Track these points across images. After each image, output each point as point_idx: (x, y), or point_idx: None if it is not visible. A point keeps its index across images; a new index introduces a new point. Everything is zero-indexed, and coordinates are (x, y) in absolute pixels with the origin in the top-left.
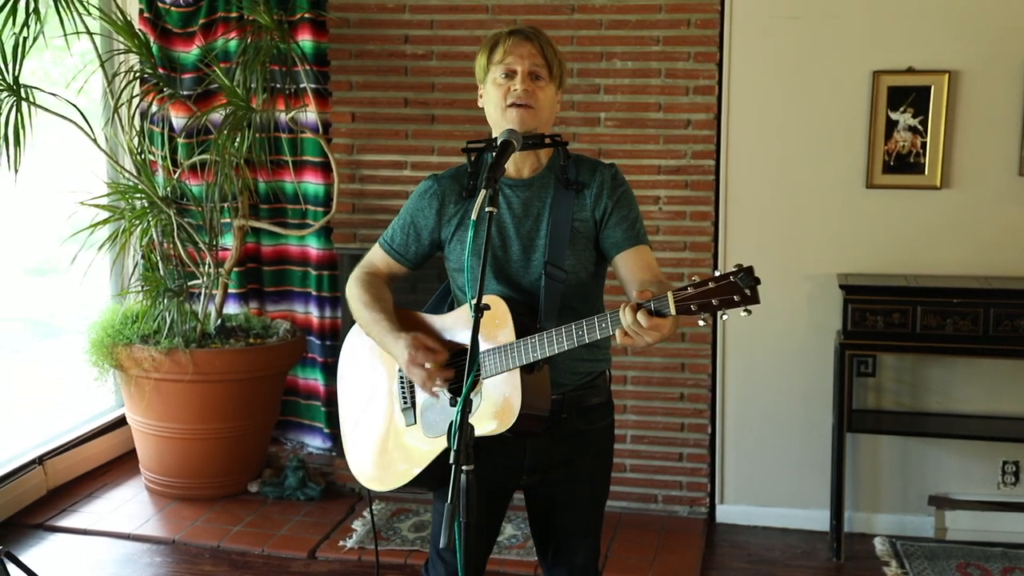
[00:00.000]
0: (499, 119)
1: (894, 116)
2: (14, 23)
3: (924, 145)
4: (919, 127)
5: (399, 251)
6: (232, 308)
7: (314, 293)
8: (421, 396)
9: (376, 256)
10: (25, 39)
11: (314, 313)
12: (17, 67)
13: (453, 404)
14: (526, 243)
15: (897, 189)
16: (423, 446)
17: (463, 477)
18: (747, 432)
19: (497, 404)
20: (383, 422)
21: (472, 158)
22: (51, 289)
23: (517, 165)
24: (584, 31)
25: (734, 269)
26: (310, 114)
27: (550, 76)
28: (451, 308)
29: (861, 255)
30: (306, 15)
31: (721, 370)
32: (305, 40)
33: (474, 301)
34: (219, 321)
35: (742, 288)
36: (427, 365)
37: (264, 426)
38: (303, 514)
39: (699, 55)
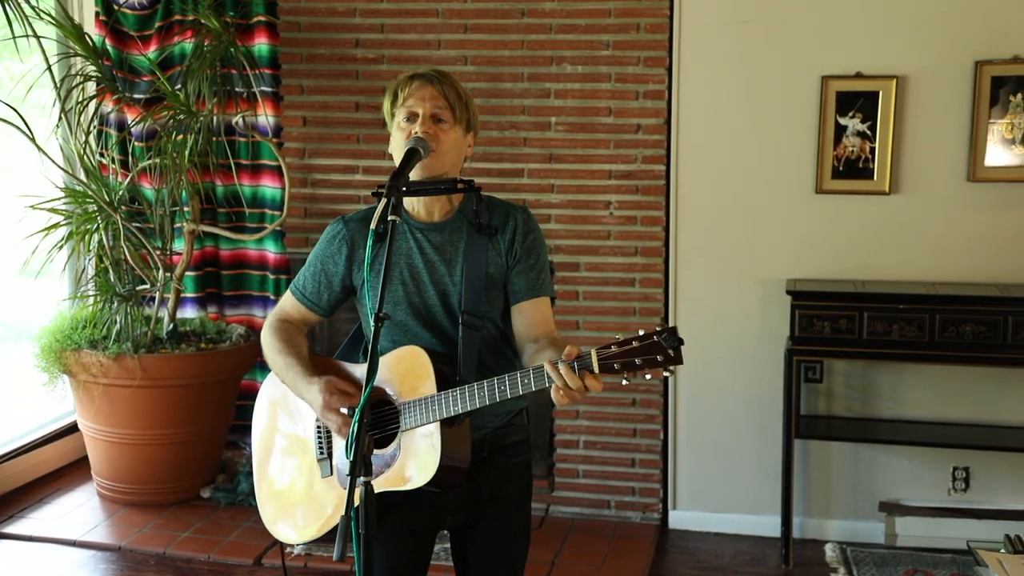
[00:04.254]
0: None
1: (843, 121)
2: None
3: (873, 150)
4: (868, 132)
5: (312, 299)
6: (190, 313)
7: (272, 297)
8: (338, 447)
9: (288, 304)
10: None
11: None
12: None
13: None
14: (440, 289)
15: (846, 194)
16: (338, 500)
17: (361, 489)
18: (699, 438)
19: (416, 457)
20: (299, 474)
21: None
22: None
23: (428, 207)
24: (534, 35)
25: (658, 328)
26: (269, 118)
27: (454, 119)
28: (364, 353)
29: (811, 260)
30: (261, 18)
31: (673, 376)
32: (261, 44)
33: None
34: (171, 326)
35: (666, 348)
36: (342, 410)
37: (217, 431)
38: (253, 520)
39: (649, 59)
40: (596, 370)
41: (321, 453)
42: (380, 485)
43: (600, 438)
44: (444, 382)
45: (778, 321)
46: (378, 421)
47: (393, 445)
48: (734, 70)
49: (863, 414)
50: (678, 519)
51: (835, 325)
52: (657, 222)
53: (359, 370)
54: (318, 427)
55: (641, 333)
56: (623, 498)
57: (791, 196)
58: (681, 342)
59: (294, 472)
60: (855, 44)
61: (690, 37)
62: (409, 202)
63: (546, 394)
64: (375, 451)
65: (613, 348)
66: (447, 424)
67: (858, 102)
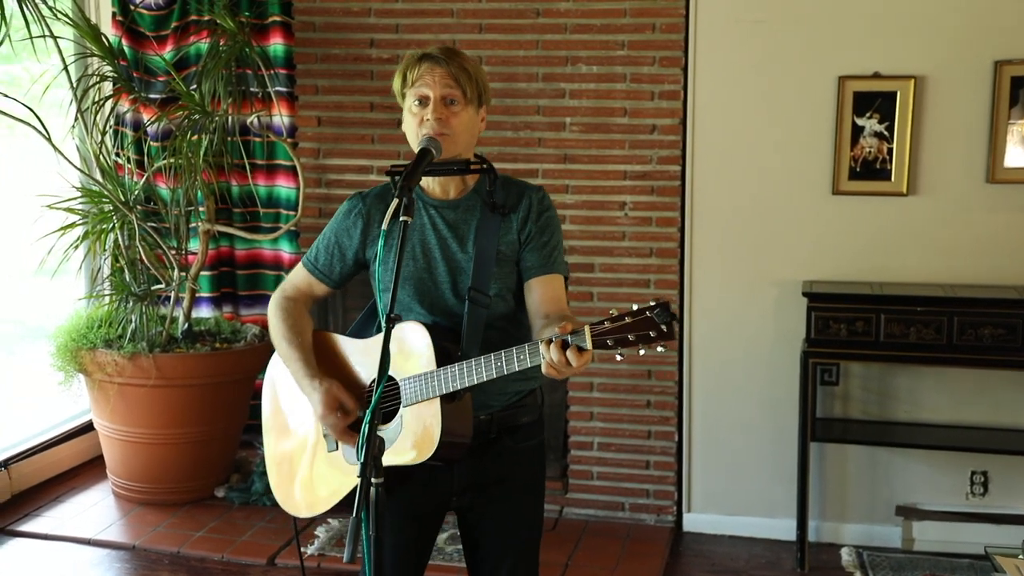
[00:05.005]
0: (416, 146)
1: (860, 122)
2: None
3: (890, 151)
4: (885, 133)
5: (323, 271)
6: (205, 312)
7: None
8: None
9: (299, 276)
10: None
11: None
12: None
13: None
14: (452, 266)
15: (863, 196)
16: (344, 473)
17: (372, 491)
18: (714, 440)
19: (416, 432)
20: (306, 448)
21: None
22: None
23: (443, 186)
24: (549, 35)
25: (651, 304)
26: (284, 118)
27: (465, 99)
28: (378, 328)
29: (827, 262)
30: (276, 18)
31: (688, 377)
32: (276, 44)
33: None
34: (186, 325)
35: (658, 324)
36: (339, 424)
37: (231, 431)
38: (267, 520)
39: (664, 59)
40: (589, 346)
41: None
42: (385, 460)
43: (614, 440)
44: (446, 358)
45: (794, 323)
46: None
47: (395, 421)
48: (750, 70)
49: (880, 417)
50: (693, 522)
51: (852, 327)
52: (672, 223)
53: (363, 346)
54: None
55: (634, 308)
56: (637, 500)
57: (807, 197)
58: (673, 317)
59: (301, 447)
60: (873, 44)
61: (706, 37)
62: (424, 179)
63: (561, 394)
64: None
65: (606, 324)
66: (447, 400)
67: (876, 102)
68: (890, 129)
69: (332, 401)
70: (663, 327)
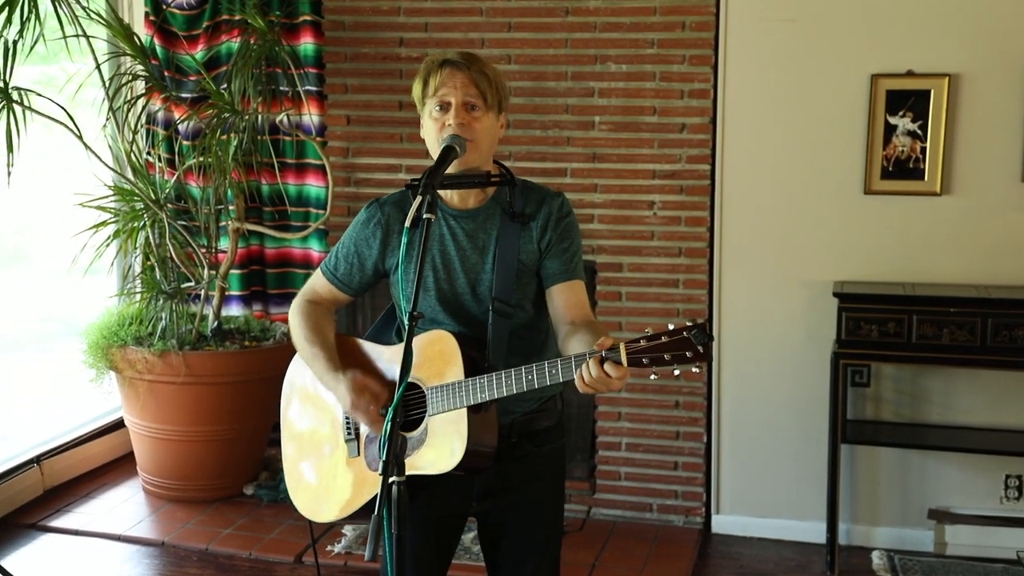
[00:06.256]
0: (439, 146)
1: (893, 120)
2: (8, 26)
3: (924, 150)
4: (918, 132)
5: (343, 280)
6: (235, 310)
7: None
8: (365, 428)
9: (319, 283)
10: (15, 43)
11: None
12: (8, 71)
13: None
14: (472, 277)
15: (896, 195)
16: (365, 480)
17: (394, 489)
18: (743, 441)
19: (443, 442)
20: (326, 453)
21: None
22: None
23: (462, 196)
24: (578, 33)
25: (688, 324)
26: (313, 117)
27: (486, 105)
28: (398, 334)
29: (859, 262)
30: (307, 18)
31: (717, 378)
32: (306, 43)
33: (410, 310)
34: (216, 323)
35: (695, 345)
36: (370, 409)
37: (260, 429)
38: (295, 518)
39: (694, 58)
40: (624, 364)
41: (349, 434)
42: (407, 469)
43: (642, 440)
44: (473, 368)
45: (824, 324)
46: (405, 405)
47: (420, 429)
48: (781, 68)
49: (912, 419)
50: (721, 523)
51: (883, 328)
52: (701, 222)
53: (388, 353)
54: None
55: (671, 328)
56: (665, 501)
57: (839, 197)
58: (711, 339)
59: (321, 452)
60: (906, 41)
61: (736, 35)
62: (443, 191)
63: (588, 396)
64: (402, 434)
65: (642, 342)
66: (474, 410)
67: (909, 101)
68: (923, 128)
69: (359, 386)
70: (700, 348)
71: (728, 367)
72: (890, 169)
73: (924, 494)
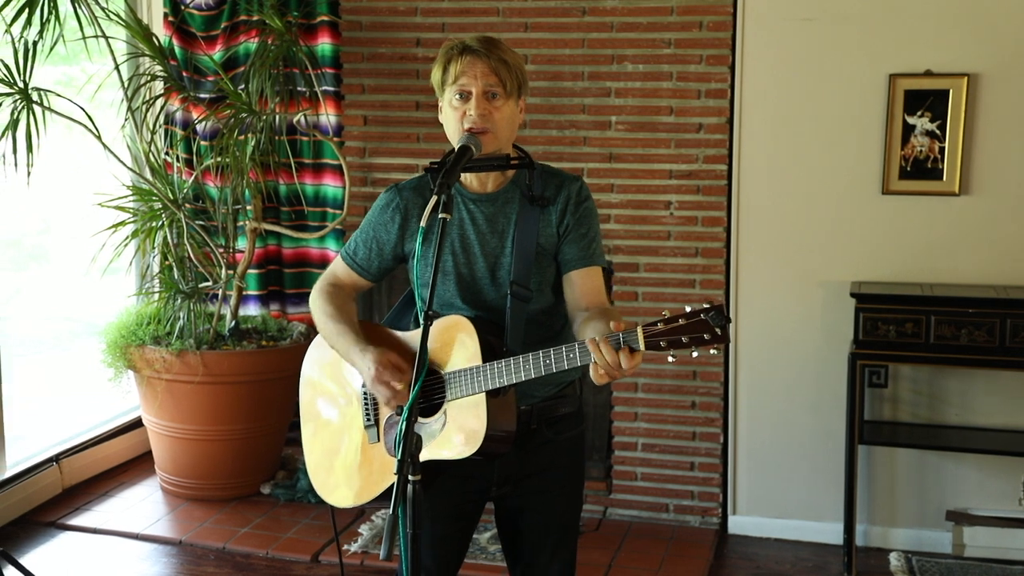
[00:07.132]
0: (456, 143)
1: (911, 120)
2: (28, 27)
3: (942, 150)
4: (937, 132)
5: (362, 265)
6: (252, 310)
7: None
8: (385, 414)
9: (339, 269)
10: (35, 43)
11: None
12: (27, 71)
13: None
14: (491, 260)
15: (914, 195)
16: (385, 465)
17: (409, 488)
18: (760, 442)
19: (462, 427)
20: (345, 438)
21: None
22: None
23: (481, 179)
24: (595, 33)
25: (705, 306)
26: (331, 117)
27: (506, 92)
28: (416, 320)
29: (876, 263)
30: (324, 18)
31: (733, 378)
32: (324, 43)
33: (426, 308)
34: (233, 323)
35: (712, 327)
36: (393, 383)
37: (277, 428)
38: (312, 517)
39: (711, 58)
40: (642, 347)
41: (368, 420)
42: (427, 454)
43: (659, 440)
44: (490, 352)
45: (842, 324)
46: (424, 390)
47: (439, 414)
48: (799, 68)
49: (930, 420)
50: (738, 524)
51: (901, 329)
52: (718, 223)
53: (407, 338)
54: (365, 393)
55: (688, 310)
56: (682, 502)
57: (856, 197)
58: (728, 320)
59: (340, 437)
60: (924, 41)
61: (754, 35)
62: (463, 174)
63: (605, 395)
64: (421, 420)
65: (659, 325)
66: (492, 395)
67: (927, 101)
68: (942, 128)
69: (385, 360)
70: (717, 330)
71: (745, 367)
72: (908, 169)
73: (942, 495)
